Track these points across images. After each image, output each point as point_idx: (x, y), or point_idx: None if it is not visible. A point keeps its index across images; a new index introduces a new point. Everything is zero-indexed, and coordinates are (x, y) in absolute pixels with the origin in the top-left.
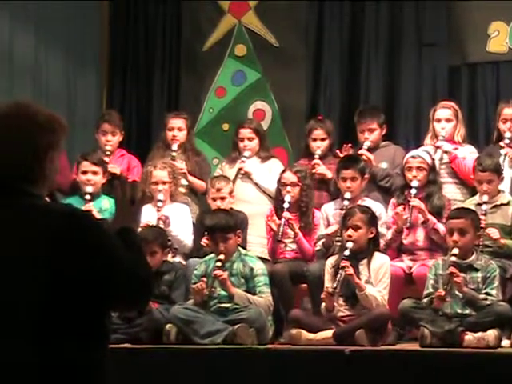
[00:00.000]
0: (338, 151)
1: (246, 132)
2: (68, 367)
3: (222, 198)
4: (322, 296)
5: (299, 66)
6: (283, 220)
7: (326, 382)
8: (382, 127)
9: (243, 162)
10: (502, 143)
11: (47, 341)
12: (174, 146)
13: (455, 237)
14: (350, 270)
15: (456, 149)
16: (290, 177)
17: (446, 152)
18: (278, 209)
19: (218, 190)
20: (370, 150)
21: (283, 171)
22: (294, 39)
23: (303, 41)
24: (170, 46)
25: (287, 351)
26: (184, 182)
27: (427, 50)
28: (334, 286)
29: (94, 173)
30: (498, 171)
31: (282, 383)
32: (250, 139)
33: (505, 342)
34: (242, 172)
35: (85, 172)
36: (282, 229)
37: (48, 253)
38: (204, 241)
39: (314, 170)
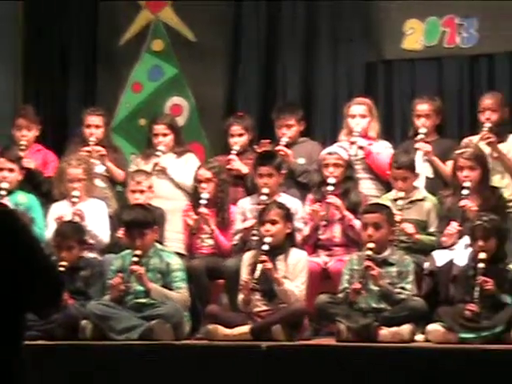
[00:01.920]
0: (255, 147)
1: (160, 128)
2: None
3: (141, 191)
4: (240, 287)
5: (217, 61)
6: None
7: (242, 377)
8: (299, 123)
9: (158, 156)
10: (417, 138)
11: None
12: (92, 139)
13: (370, 231)
14: (269, 265)
15: (370, 144)
16: (204, 173)
17: (360, 147)
18: (195, 205)
19: (138, 182)
20: (287, 145)
21: (198, 168)
22: (212, 35)
23: (221, 37)
24: (87, 41)
25: (204, 347)
26: (102, 170)
27: (344, 47)
28: (254, 281)
29: (10, 170)
30: (412, 168)
31: (199, 379)
32: (164, 135)
33: (419, 337)
34: (158, 168)
35: (0, 169)
36: (197, 224)
37: None
38: (120, 234)
39: (228, 166)
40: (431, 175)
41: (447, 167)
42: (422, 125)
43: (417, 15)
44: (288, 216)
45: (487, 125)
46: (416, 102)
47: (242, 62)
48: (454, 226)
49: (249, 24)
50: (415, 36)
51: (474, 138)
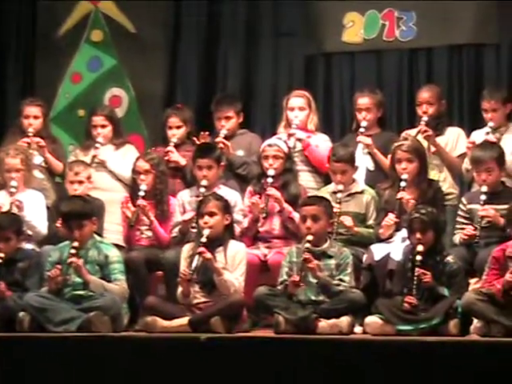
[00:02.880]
0: (194, 139)
1: (98, 119)
2: None
3: (80, 182)
4: (179, 279)
5: (157, 53)
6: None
7: (181, 369)
8: (238, 115)
9: (97, 148)
10: (358, 132)
11: None
12: (30, 130)
13: (308, 223)
14: (209, 255)
15: (309, 137)
16: (142, 165)
17: (299, 140)
18: (134, 196)
19: (76, 173)
20: (226, 137)
21: (136, 160)
22: (152, 26)
23: (161, 28)
24: (25, 31)
25: (142, 339)
26: (40, 161)
27: (283, 40)
28: (191, 272)
29: None
30: (351, 161)
31: (138, 370)
32: (102, 126)
33: (357, 329)
34: (97, 160)
35: None
36: (135, 216)
37: None
38: (58, 224)
39: (166, 157)
40: (372, 168)
41: (388, 160)
42: (364, 118)
43: (356, 8)
44: (226, 208)
45: (424, 118)
46: (357, 96)
47: (182, 54)
48: (390, 218)
49: (189, 17)
50: (355, 29)
51: (412, 132)
